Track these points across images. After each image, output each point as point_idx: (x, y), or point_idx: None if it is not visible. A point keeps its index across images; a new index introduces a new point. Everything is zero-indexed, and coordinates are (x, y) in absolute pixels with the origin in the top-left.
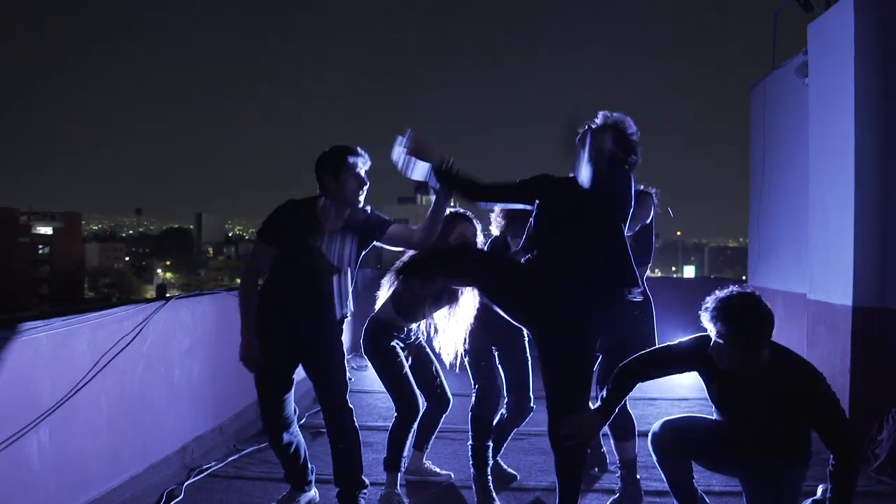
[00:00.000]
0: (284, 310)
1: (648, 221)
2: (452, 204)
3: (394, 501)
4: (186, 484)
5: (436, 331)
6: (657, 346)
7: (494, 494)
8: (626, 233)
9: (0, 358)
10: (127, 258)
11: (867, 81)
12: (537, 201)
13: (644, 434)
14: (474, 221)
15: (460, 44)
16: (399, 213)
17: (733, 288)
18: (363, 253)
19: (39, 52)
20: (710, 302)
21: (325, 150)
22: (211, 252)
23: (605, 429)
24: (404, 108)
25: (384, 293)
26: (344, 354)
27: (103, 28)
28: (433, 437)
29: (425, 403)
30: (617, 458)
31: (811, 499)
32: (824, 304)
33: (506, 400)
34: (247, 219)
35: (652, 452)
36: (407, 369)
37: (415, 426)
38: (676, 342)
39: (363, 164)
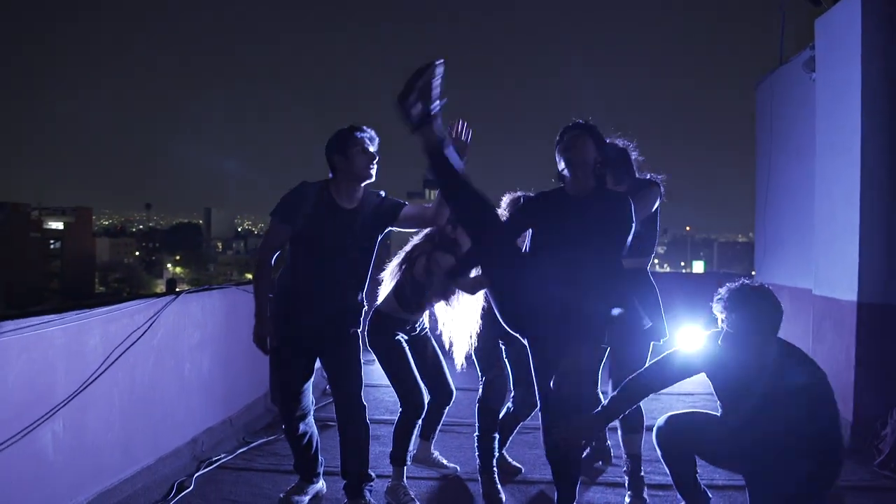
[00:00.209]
0: (302, 295)
1: (654, 210)
2: None
3: (400, 494)
4: (196, 475)
5: (439, 323)
6: (663, 357)
7: (500, 487)
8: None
9: (17, 350)
10: (137, 253)
11: (874, 76)
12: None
13: (650, 428)
14: None
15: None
16: None
17: (745, 280)
18: (379, 237)
19: (50, 47)
20: (722, 293)
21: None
22: (220, 247)
23: (615, 422)
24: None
25: (386, 286)
26: (360, 349)
27: (114, 24)
28: (439, 426)
29: (429, 396)
30: (623, 451)
31: None
32: (830, 299)
33: (511, 394)
34: (256, 214)
35: (656, 446)
36: (411, 363)
37: (420, 420)
38: (676, 350)
39: (371, 141)
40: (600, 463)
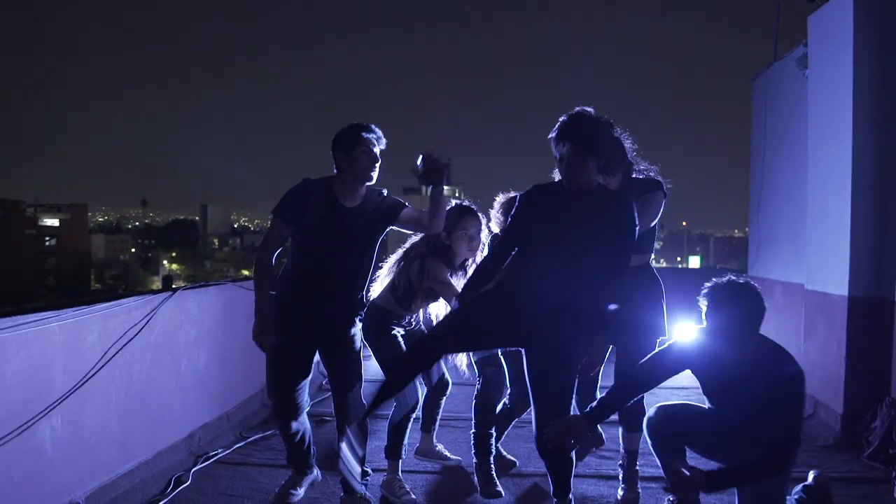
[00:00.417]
0: (303, 293)
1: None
2: (458, 197)
3: (395, 487)
4: (194, 470)
5: (433, 318)
6: (650, 357)
7: (497, 480)
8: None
9: (15, 347)
10: (133, 250)
11: (866, 73)
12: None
13: None
14: (479, 215)
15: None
16: None
17: (731, 275)
18: (380, 236)
19: (45, 44)
20: (708, 287)
21: (341, 127)
22: (216, 243)
23: (615, 416)
24: (406, 101)
25: (382, 281)
26: (360, 346)
27: (109, 20)
28: (438, 418)
29: (424, 389)
30: (622, 446)
31: (802, 484)
32: (821, 294)
33: (508, 391)
34: (252, 210)
35: (646, 436)
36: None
37: (415, 414)
38: (664, 348)
39: (377, 143)
40: (594, 449)
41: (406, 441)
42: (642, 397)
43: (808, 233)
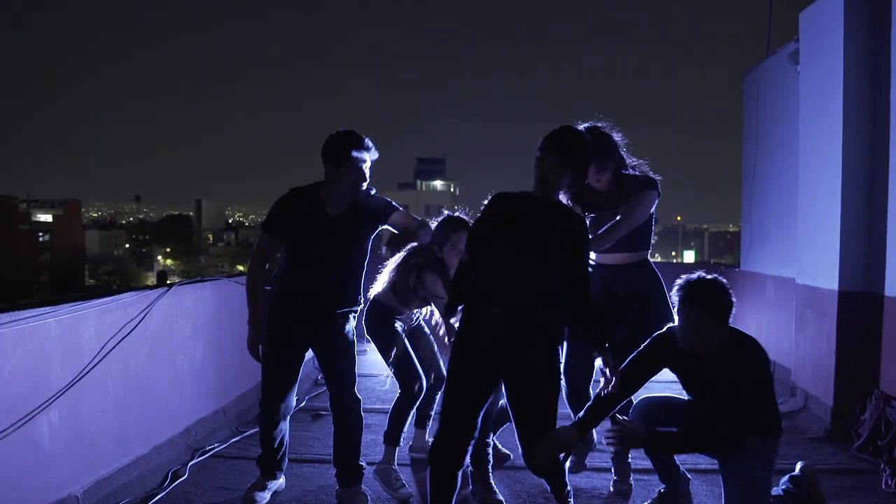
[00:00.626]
0: (296, 298)
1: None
2: (452, 191)
3: (392, 479)
4: (190, 464)
5: (434, 316)
6: (628, 362)
7: (496, 489)
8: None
9: (12, 342)
10: (127, 245)
11: (856, 69)
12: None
13: None
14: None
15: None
16: (399, 199)
17: (701, 273)
18: (371, 237)
19: (37, 40)
20: (680, 283)
21: (332, 134)
22: (211, 239)
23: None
24: (405, 98)
25: (384, 278)
26: (354, 344)
27: (101, 15)
28: (433, 414)
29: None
30: None
31: (788, 475)
32: (812, 288)
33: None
34: (247, 205)
35: None
36: (409, 349)
37: (417, 403)
38: (641, 349)
39: (368, 158)
40: (579, 445)
41: (406, 427)
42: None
43: (800, 228)
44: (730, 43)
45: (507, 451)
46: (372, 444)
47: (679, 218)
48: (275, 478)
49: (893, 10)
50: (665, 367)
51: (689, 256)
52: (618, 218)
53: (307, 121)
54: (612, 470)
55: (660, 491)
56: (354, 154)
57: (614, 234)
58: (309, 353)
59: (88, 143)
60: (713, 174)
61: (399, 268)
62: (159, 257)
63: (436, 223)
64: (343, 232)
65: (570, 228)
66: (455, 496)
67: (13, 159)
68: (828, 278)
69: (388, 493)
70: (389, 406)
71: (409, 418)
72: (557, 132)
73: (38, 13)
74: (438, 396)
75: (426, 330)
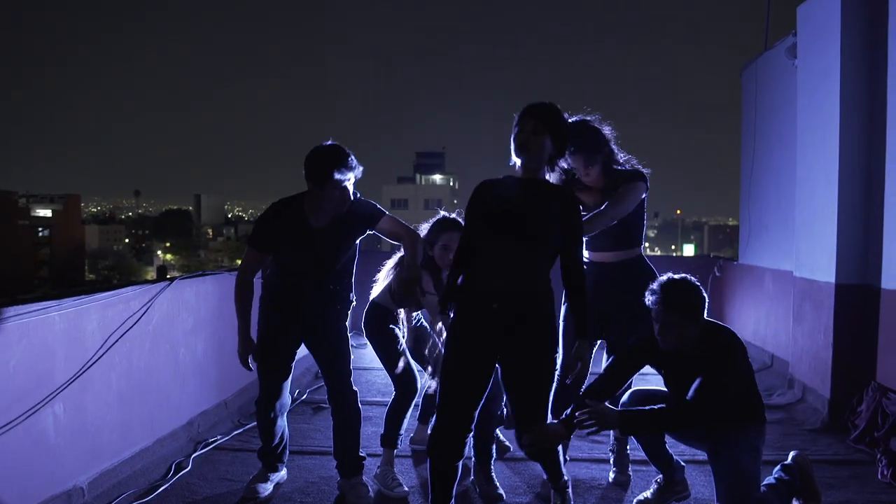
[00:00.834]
0: (286, 301)
1: (640, 201)
2: (452, 185)
3: (388, 479)
4: (194, 456)
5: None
6: (611, 361)
7: (498, 484)
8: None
9: (17, 336)
10: (126, 240)
11: (853, 63)
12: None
13: None
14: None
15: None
16: (399, 193)
17: (670, 274)
18: (358, 241)
19: (36, 35)
20: (650, 287)
21: (315, 150)
22: (210, 233)
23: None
24: (404, 91)
25: (382, 280)
26: (348, 339)
27: (101, 11)
28: (435, 410)
29: (423, 380)
30: (612, 434)
31: (781, 463)
32: (809, 281)
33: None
34: (246, 200)
35: None
36: (406, 351)
37: (412, 405)
38: (624, 348)
39: (352, 176)
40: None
41: (402, 432)
42: (631, 386)
43: (797, 221)
44: (729, 36)
45: (508, 444)
46: (373, 437)
47: (679, 212)
48: (276, 470)
49: (890, 4)
50: (648, 363)
51: (688, 250)
52: (604, 206)
53: (307, 115)
54: (611, 461)
55: (656, 481)
56: (337, 176)
57: (599, 221)
58: (301, 352)
59: (88, 138)
60: (713, 168)
61: (396, 266)
62: (159, 252)
63: (428, 224)
64: (328, 244)
65: (558, 206)
66: (455, 486)
67: (12, 154)
68: (825, 271)
69: (386, 492)
70: (389, 398)
71: (407, 417)
72: (533, 104)
73: (38, 8)
74: None
75: (428, 329)
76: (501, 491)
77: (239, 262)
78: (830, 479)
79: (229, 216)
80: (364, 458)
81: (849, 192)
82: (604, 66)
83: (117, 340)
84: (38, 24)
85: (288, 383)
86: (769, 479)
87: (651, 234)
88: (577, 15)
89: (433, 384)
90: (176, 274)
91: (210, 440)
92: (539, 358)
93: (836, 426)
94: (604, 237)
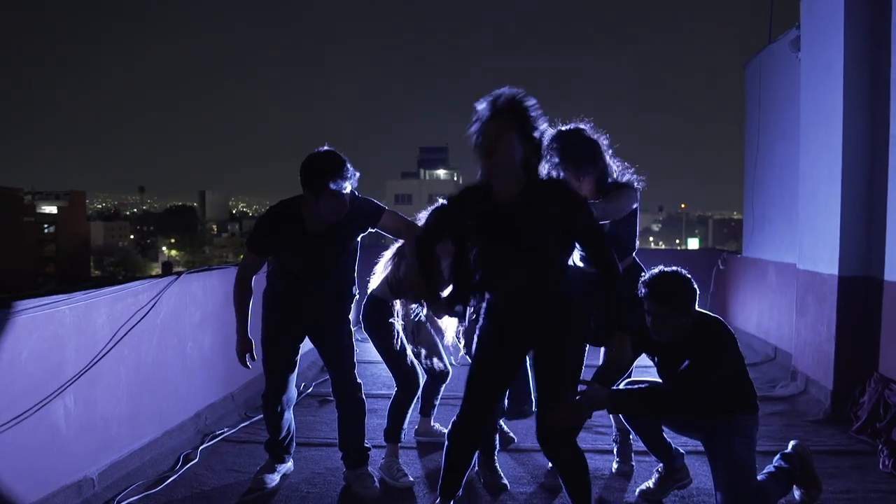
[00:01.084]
0: (288, 298)
1: (631, 211)
2: (456, 181)
3: (393, 470)
4: (201, 448)
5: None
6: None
7: (501, 474)
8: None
9: (28, 329)
10: (132, 236)
11: (856, 56)
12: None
13: None
14: None
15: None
16: (403, 188)
17: (662, 267)
18: (360, 235)
19: (41, 31)
20: (643, 279)
21: (310, 158)
22: (215, 229)
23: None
24: (408, 86)
25: (379, 273)
26: (351, 333)
27: (106, 7)
28: (437, 403)
29: (425, 375)
30: (614, 425)
31: (781, 452)
32: (812, 273)
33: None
34: (250, 195)
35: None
36: (406, 345)
37: (415, 399)
38: None
39: (348, 186)
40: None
41: (405, 426)
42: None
43: (801, 214)
44: (735, 30)
45: (512, 435)
46: (378, 428)
47: (684, 206)
48: (283, 461)
49: None
50: (643, 351)
51: (693, 243)
52: (597, 202)
53: (310, 110)
54: (615, 451)
55: (657, 470)
56: (332, 187)
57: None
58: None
59: (92, 135)
60: (718, 162)
61: (395, 257)
62: (164, 248)
63: (427, 212)
64: (326, 248)
65: (556, 206)
66: (466, 476)
67: (18, 151)
68: (828, 264)
69: (391, 483)
70: (393, 391)
71: (410, 411)
72: (496, 96)
73: (42, 3)
74: (441, 388)
75: (426, 324)
76: (505, 481)
77: (234, 286)
78: (832, 469)
79: (234, 212)
80: (369, 450)
81: (852, 185)
82: (607, 60)
83: (126, 334)
84: (43, 18)
85: (293, 378)
86: (769, 468)
87: (655, 227)
88: (580, 10)
89: (440, 363)
90: (181, 270)
91: (217, 432)
92: (564, 345)
93: (839, 417)
94: None
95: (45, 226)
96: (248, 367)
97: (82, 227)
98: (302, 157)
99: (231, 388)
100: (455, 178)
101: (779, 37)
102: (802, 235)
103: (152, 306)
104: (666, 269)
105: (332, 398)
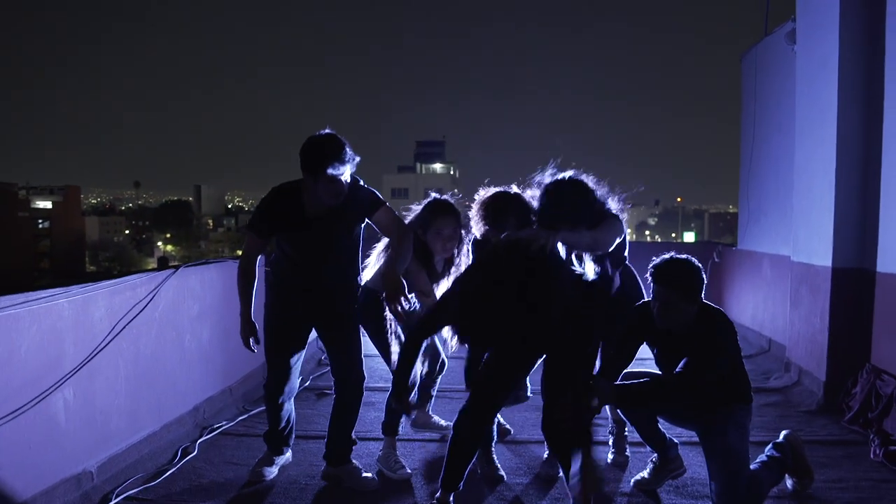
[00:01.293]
0: (293, 284)
1: (619, 242)
2: (452, 174)
3: (391, 461)
4: (200, 441)
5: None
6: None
7: (499, 465)
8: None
9: (28, 322)
10: (127, 231)
11: (851, 49)
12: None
13: None
14: (455, 212)
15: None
16: (399, 183)
17: (673, 253)
18: (361, 223)
19: (37, 27)
20: (651, 265)
21: (310, 141)
22: (211, 224)
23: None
24: (405, 80)
25: (373, 264)
26: (358, 323)
27: (102, 3)
28: (434, 394)
29: (422, 367)
30: (609, 417)
31: (773, 442)
32: (806, 265)
33: None
34: (246, 190)
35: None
36: (401, 335)
37: (412, 392)
38: (623, 330)
39: (347, 170)
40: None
41: (402, 419)
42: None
43: (795, 207)
44: (731, 23)
45: (508, 427)
46: (376, 421)
47: (680, 199)
48: (282, 453)
49: None
50: (644, 339)
51: (688, 237)
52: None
53: (307, 105)
54: (610, 442)
55: (652, 460)
56: (330, 171)
57: (579, 238)
58: (312, 334)
59: (87, 129)
60: (715, 156)
61: (384, 252)
62: (159, 243)
63: (420, 207)
64: (325, 232)
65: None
66: (468, 468)
67: (12, 146)
68: (822, 256)
69: (389, 474)
70: (391, 384)
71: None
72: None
73: (38, 7)
74: (438, 379)
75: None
76: (502, 472)
77: (239, 252)
78: (824, 458)
79: (230, 206)
80: (355, 443)
81: (846, 178)
82: (603, 53)
83: (124, 327)
84: (39, 15)
85: (296, 366)
86: (761, 458)
87: (651, 221)
88: (573, 1)
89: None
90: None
91: (216, 425)
92: (574, 352)
93: (831, 408)
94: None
95: (40, 221)
96: (252, 350)
97: (77, 222)
98: (298, 151)
99: (229, 381)
100: (452, 172)
101: (775, 29)
102: (797, 228)
103: (150, 300)
104: (677, 255)
105: (329, 391)
